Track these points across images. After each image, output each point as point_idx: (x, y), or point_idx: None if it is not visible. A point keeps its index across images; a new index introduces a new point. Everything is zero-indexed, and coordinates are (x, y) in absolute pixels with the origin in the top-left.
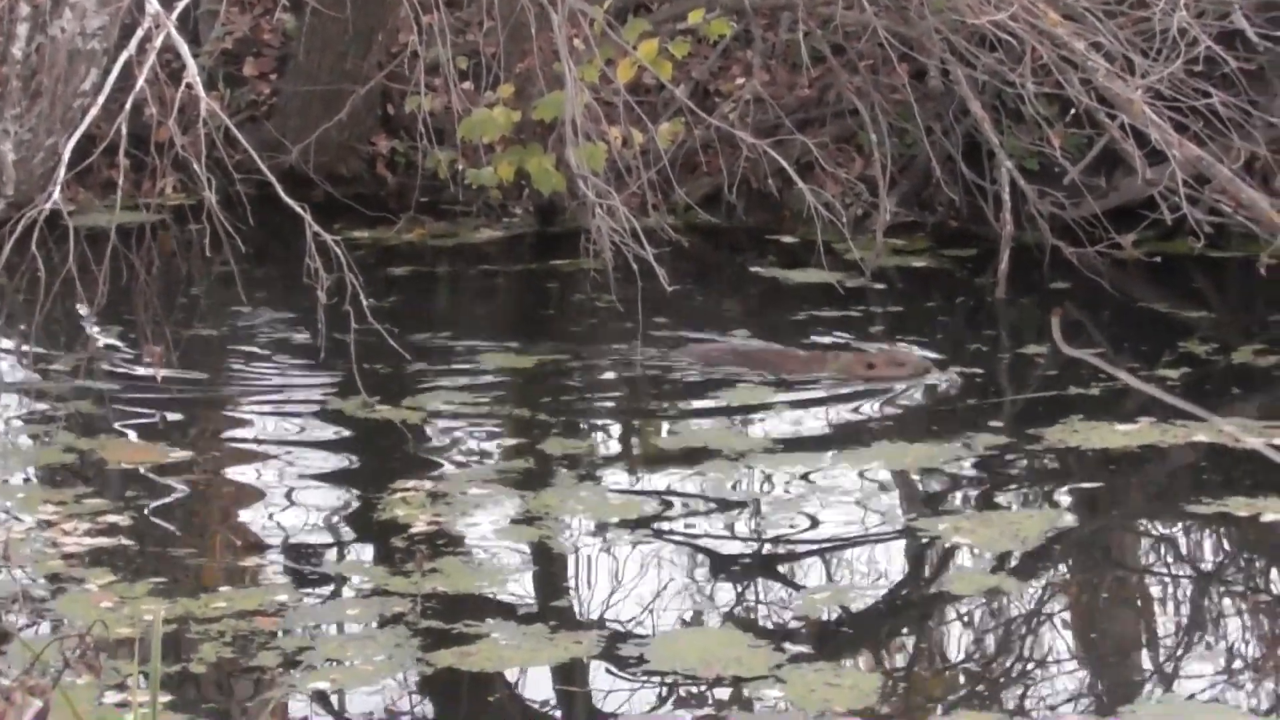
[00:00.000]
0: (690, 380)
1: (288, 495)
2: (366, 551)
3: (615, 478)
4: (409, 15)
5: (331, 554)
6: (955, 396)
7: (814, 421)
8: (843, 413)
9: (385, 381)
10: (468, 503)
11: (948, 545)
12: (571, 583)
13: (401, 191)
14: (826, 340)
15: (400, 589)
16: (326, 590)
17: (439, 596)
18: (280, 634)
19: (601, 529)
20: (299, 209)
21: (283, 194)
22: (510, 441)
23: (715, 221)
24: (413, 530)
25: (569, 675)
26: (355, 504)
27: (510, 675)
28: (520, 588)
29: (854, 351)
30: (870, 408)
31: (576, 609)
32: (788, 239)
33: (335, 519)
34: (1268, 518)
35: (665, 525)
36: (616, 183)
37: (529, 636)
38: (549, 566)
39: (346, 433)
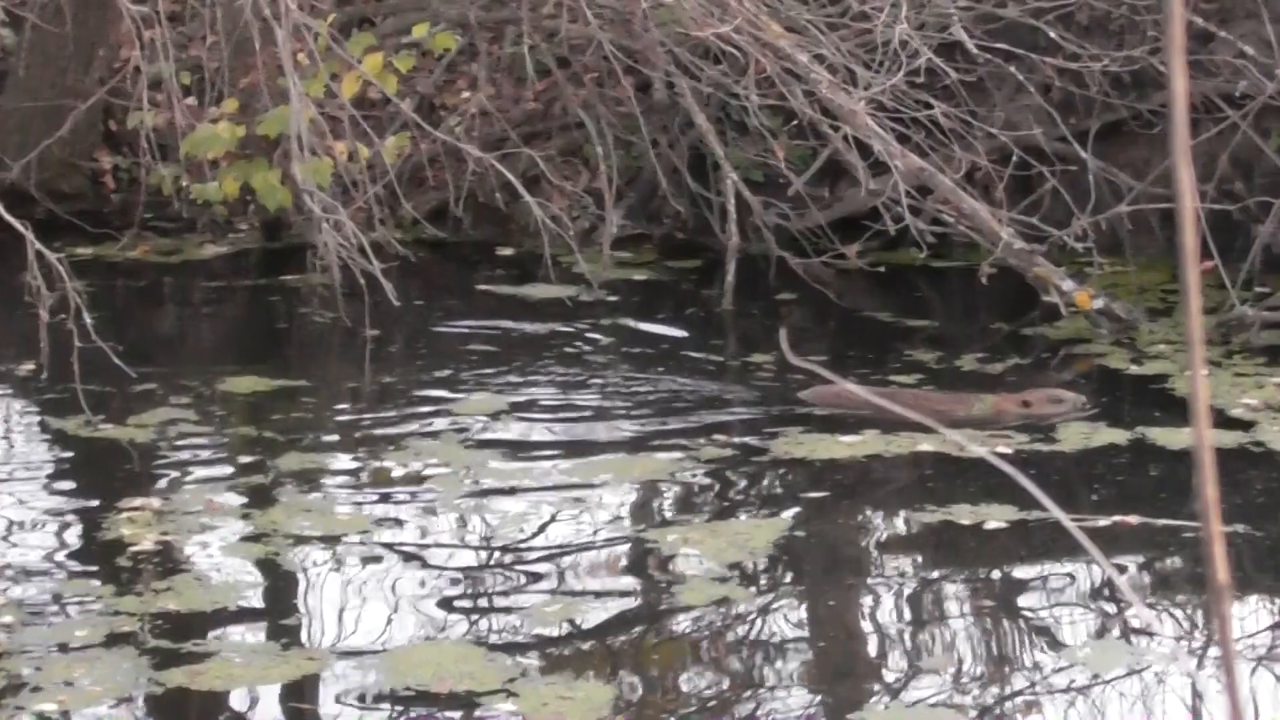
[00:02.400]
0: (416, 395)
1: (8, 516)
2: (93, 571)
3: (345, 494)
4: (131, 30)
5: (57, 574)
6: (685, 405)
7: (543, 434)
8: (571, 425)
9: (109, 400)
10: (195, 521)
11: (677, 556)
12: (302, 600)
13: (125, 208)
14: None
15: (129, 608)
16: (53, 611)
17: (168, 615)
18: (5, 656)
19: (331, 545)
20: (20, 226)
21: (2, 211)
22: (238, 459)
23: (443, 236)
24: (140, 549)
25: (301, 693)
26: (80, 523)
27: (242, 693)
28: (251, 605)
29: (1001, 393)
30: (598, 419)
31: (308, 626)
32: (515, 252)
33: (60, 539)
34: (990, 525)
35: (396, 541)
36: (343, 197)
37: (260, 654)
38: (279, 584)
39: (69, 452)
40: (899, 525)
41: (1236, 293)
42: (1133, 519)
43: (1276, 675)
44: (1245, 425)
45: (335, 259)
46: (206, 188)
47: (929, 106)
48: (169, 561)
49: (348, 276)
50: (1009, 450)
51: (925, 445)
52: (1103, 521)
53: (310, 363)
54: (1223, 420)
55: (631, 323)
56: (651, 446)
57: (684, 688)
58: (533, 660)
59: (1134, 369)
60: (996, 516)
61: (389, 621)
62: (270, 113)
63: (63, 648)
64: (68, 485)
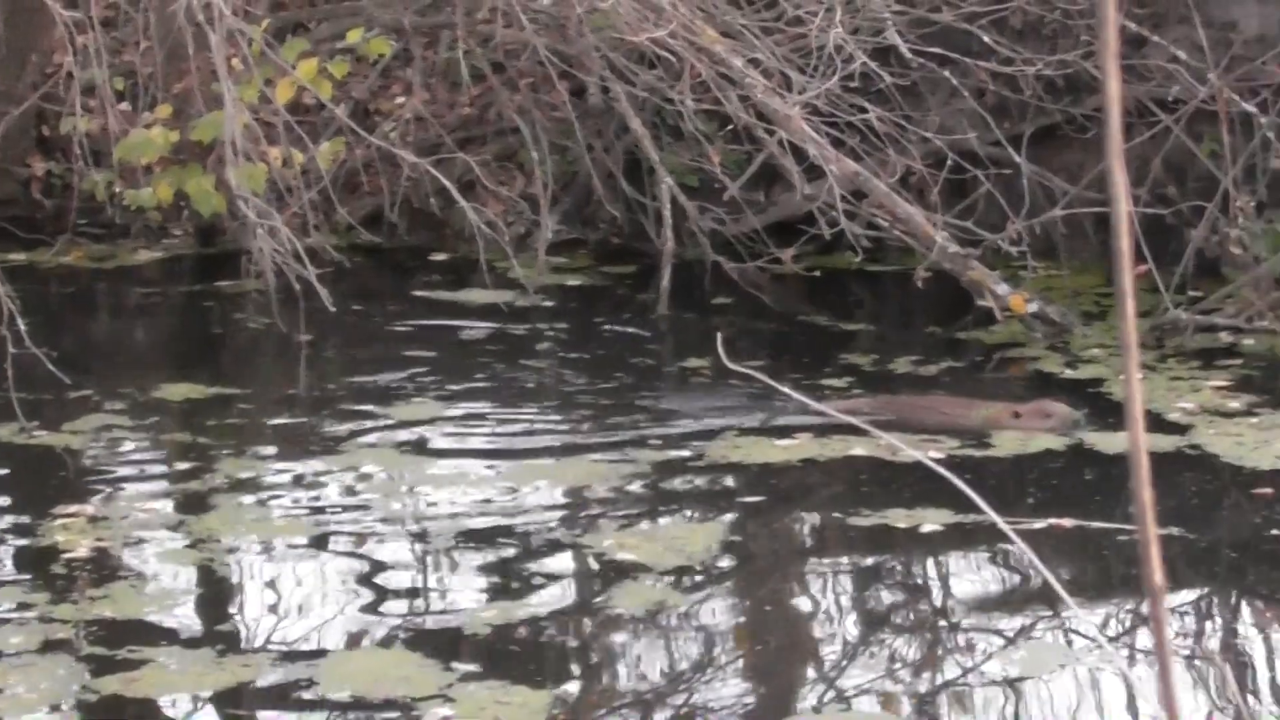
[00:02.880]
0: (352, 401)
1: None
2: (27, 579)
3: (281, 500)
4: (64, 35)
5: None
6: (617, 410)
7: (479, 440)
8: (507, 430)
9: (43, 406)
10: (131, 527)
11: (613, 560)
12: (238, 606)
13: (58, 214)
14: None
15: (63, 615)
16: None
17: (103, 622)
18: None
19: (268, 552)
20: None
21: None
22: (173, 465)
23: (378, 241)
24: (74, 556)
25: (238, 699)
26: (14, 530)
27: (177, 701)
28: (186, 612)
29: (1003, 402)
30: (534, 424)
31: (244, 632)
32: (451, 258)
33: None
34: (926, 528)
35: (332, 547)
36: (277, 203)
37: (196, 661)
38: (215, 590)
39: (2, 459)
40: (835, 528)
41: (1170, 296)
42: (1067, 522)
43: (1210, 675)
44: (1182, 429)
45: (270, 265)
46: (140, 193)
47: (864, 111)
48: (104, 568)
49: (283, 282)
50: (942, 455)
51: (859, 449)
52: (1038, 524)
53: (245, 368)
54: (1159, 424)
55: (568, 328)
56: (588, 451)
57: (621, 690)
58: (469, 665)
59: (1068, 373)
60: (932, 520)
61: (325, 627)
62: (204, 118)
63: None
64: (1, 492)
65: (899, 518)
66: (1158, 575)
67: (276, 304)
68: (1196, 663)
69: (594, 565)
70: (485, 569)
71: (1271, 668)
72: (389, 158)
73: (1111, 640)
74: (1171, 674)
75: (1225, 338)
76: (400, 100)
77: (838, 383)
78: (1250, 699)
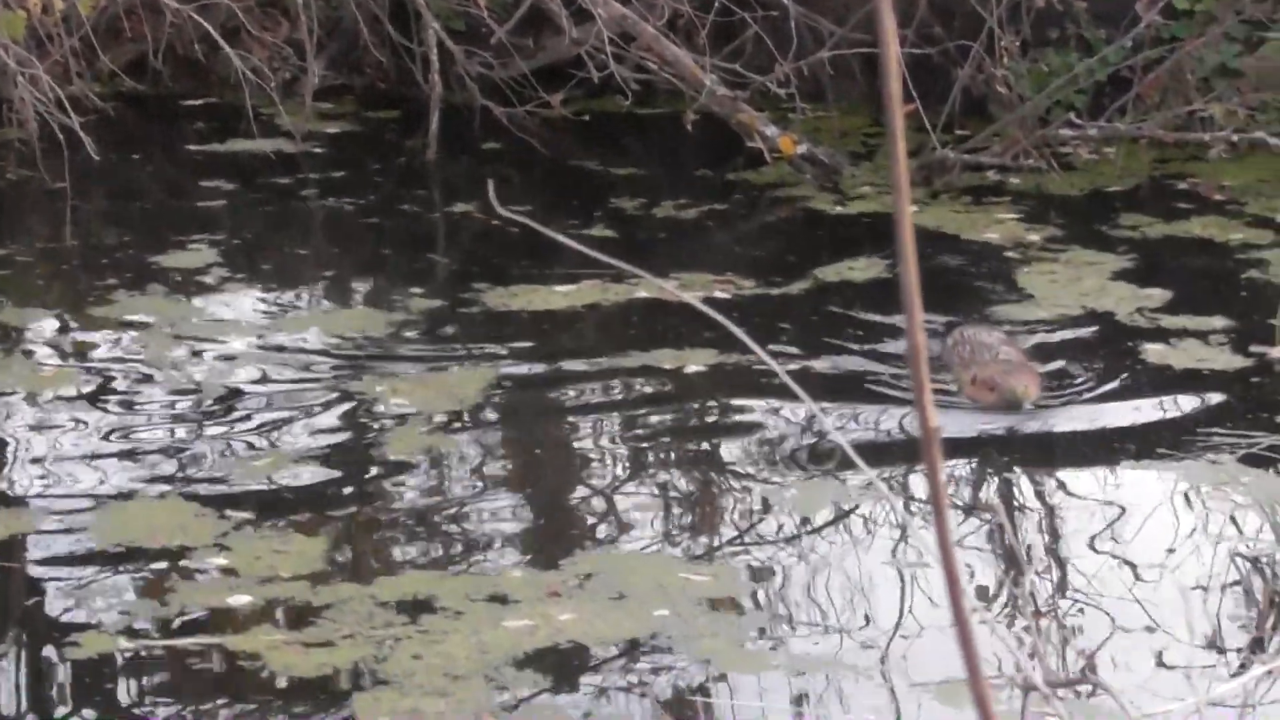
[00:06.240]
0: (120, 252)
1: None
2: None
3: (49, 352)
4: None
5: None
6: (389, 256)
7: (247, 285)
8: (275, 277)
9: None
10: None
11: (387, 407)
12: (9, 458)
13: None
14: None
15: None
16: None
17: None
18: None
19: (37, 403)
20: None
21: None
22: None
23: (142, 89)
24: None
25: (9, 552)
26: None
27: None
28: None
29: (982, 369)
30: (302, 270)
31: (15, 484)
32: (217, 104)
33: None
34: (690, 369)
35: (104, 398)
36: (38, 50)
37: None
38: None
39: None
40: (605, 371)
41: (937, 136)
42: (821, 363)
43: (982, 518)
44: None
45: (32, 114)
46: None
47: None
48: None
49: (46, 132)
50: (728, 295)
51: (642, 293)
52: (819, 365)
53: (9, 220)
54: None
55: (337, 175)
56: (359, 297)
57: (396, 535)
58: (244, 514)
59: (838, 210)
60: (697, 360)
61: (98, 479)
62: None
63: None
64: None
65: (665, 358)
66: (932, 417)
67: (40, 154)
68: (973, 512)
69: (367, 412)
70: (258, 417)
71: (1051, 517)
72: (152, 3)
73: (885, 480)
74: (946, 515)
75: (992, 176)
76: None
77: (607, 229)
78: (1025, 548)
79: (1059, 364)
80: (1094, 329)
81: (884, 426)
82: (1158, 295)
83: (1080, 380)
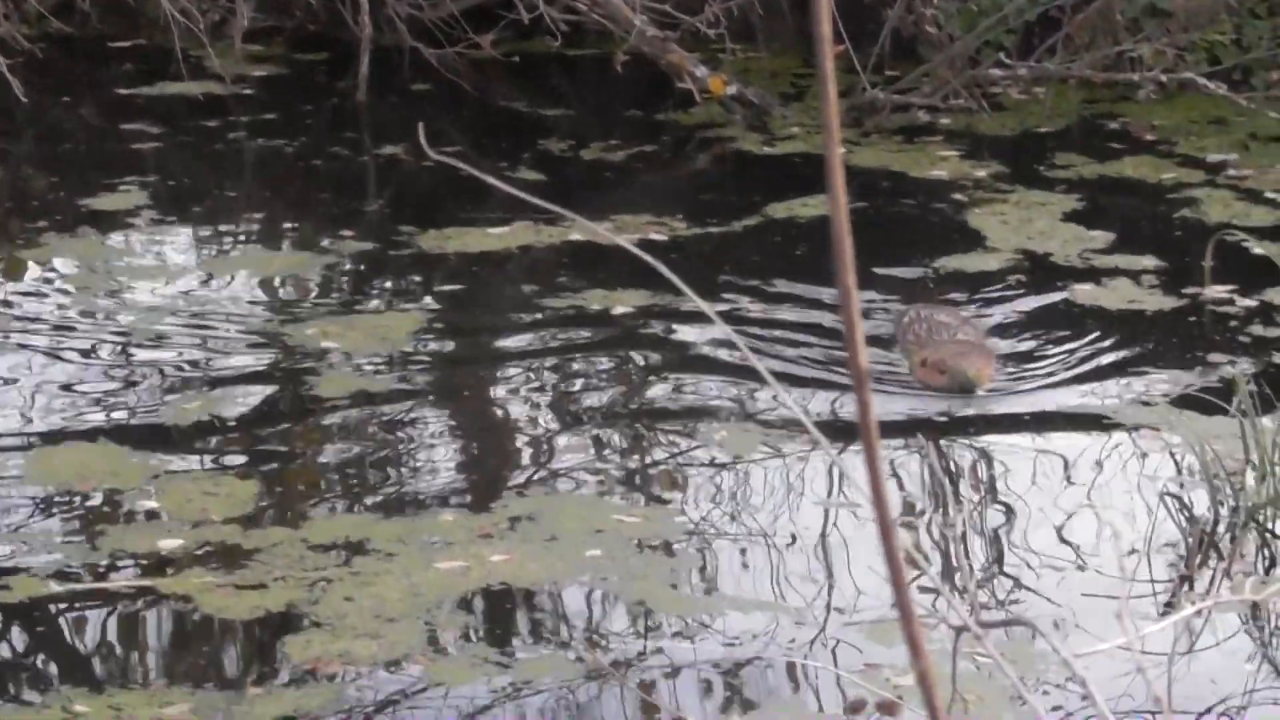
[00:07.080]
0: (49, 195)
1: None
2: None
3: None
4: None
5: None
6: (320, 198)
7: (177, 227)
8: (206, 218)
9: None
10: None
11: (315, 349)
12: None
13: None
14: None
15: None
16: None
17: None
18: None
19: None
20: None
21: None
22: None
23: (69, 30)
24: None
25: None
26: None
27: None
28: None
29: (934, 351)
30: (233, 213)
31: None
32: (146, 46)
33: None
34: (618, 310)
35: (33, 340)
36: None
37: None
38: None
39: None
40: (535, 312)
41: (867, 77)
42: (759, 307)
43: (917, 458)
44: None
45: None
46: None
47: None
48: None
49: None
50: (665, 237)
51: (574, 235)
52: (753, 307)
53: None
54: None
55: (267, 117)
56: (289, 239)
57: (326, 478)
58: (175, 456)
59: (767, 150)
60: (624, 302)
61: (27, 422)
62: None
63: None
64: None
65: (595, 299)
66: (862, 359)
67: None
68: (903, 452)
69: (296, 354)
70: (188, 360)
71: (982, 458)
72: None
73: (817, 422)
74: (878, 461)
75: (923, 116)
76: None
77: (535, 172)
78: (955, 488)
79: (1000, 311)
80: (1034, 271)
81: (819, 369)
82: (1100, 237)
83: (1013, 324)
